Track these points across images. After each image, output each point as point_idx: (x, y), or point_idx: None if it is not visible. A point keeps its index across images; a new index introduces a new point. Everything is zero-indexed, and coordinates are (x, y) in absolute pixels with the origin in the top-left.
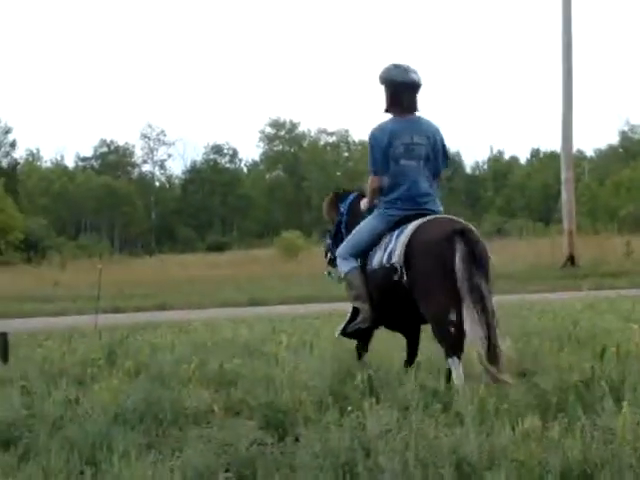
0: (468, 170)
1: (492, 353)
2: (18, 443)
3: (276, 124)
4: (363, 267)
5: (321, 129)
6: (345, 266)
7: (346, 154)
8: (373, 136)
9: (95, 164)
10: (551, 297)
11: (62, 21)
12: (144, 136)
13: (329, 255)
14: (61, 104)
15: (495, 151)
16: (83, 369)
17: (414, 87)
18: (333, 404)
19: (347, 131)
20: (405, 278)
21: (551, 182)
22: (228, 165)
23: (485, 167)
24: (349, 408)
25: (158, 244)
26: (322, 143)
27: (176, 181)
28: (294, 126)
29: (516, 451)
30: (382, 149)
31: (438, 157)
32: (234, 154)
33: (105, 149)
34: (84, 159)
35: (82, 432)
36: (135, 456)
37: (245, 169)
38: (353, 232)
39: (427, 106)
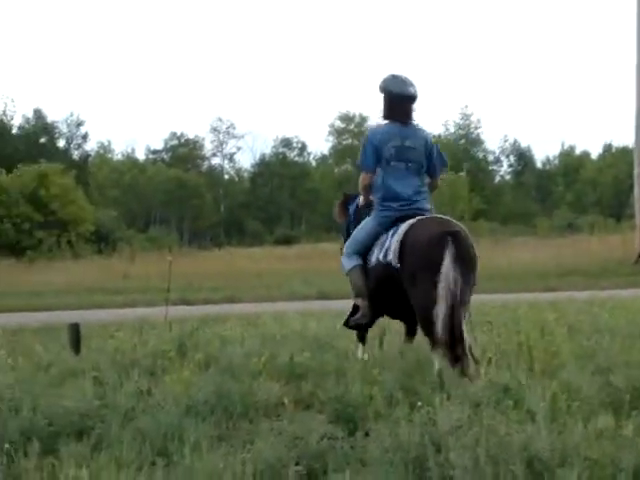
0: (539, 165)
1: (454, 356)
2: (91, 433)
3: (345, 118)
4: (364, 264)
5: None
6: (348, 263)
7: None
8: (367, 136)
9: (165, 157)
10: (623, 294)
11: (134, 14)
12: (214, 129)
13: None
14: (132, 97)
15: (566, 146)
16: (154, 361)
17: (410, 99)
18: (403, 399)
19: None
20: (399, 273)
21: (623, 177)
22: (297, 159)
23: (556, 162)
24: (419, 403)
25: (227, 237)
26: None
27: (245, 174)
28: (363, 120)
29: (589, 449)
30: (374, 149)
31: (432, 160)
32: (303, 148)
33: (175, 142)
34: (154, 152)
35: (154, 423)
36: (206, 448)
37: (314, 163)
38: (355, 231)
39: (498, 100)
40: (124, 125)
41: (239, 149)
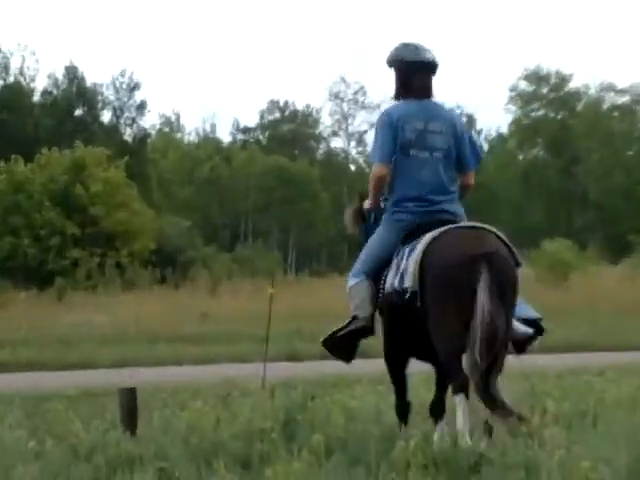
0: None
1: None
2: None
3: (535, 77)
4: (378, 290)
5: (605, 84)
6: (352, 281)
7: None
8: (381, 119)
9: (261, 137)
10: None
11: None
12: (334, 95)
13: None
14: (210, 51)
15: None
16: (247, 445)
17: (428, 67)
18: None
19: None
20: (419, 303)
21: None
22: None
23: None
24: None
25: (350, 257)
26: (607, 106)
27: None
28: (563, 80)
29: None
30: (393, 133)
31: (462, 149)
32: (469, 123)
33: (277, 115)
34: (245, 130)
35: None
36: None
37: (486, 145)
38: (366, 246)
39: None
40: (198, 91)
41: (372, 125)
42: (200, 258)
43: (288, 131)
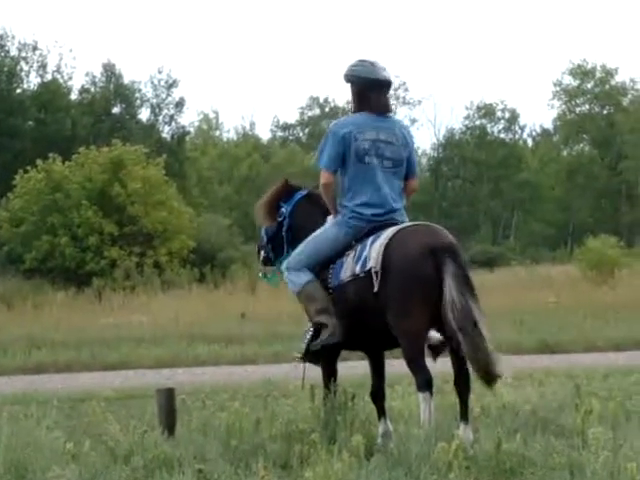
0: None
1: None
2: None
3: (578, 71)
4: (323, 283)
5: None
6: (300, 278)
7: None
8: (332, 129)
9: (302, 135)
10: None
11: None
12: None
13: (262, 253)
14: (249, 47)
15: None
16: (287, 446)
17: (382, 85)
18: None
19: None
20: (380, 289)
21: None
22: (503, 135)
23: None
24: None
25: None
26: None
27: (423, 160)
28: (608, 75)
29: None
30: (338, 143)
31: (411, 158)
32: (513, 119)
33: (317, 111)
34: (285, 127)
35: None
36: None
37: (530, 141)
38: (307, 240)
39: None
40: (237, 88)
41: (414, 122)
42: (239, 257)
43: None
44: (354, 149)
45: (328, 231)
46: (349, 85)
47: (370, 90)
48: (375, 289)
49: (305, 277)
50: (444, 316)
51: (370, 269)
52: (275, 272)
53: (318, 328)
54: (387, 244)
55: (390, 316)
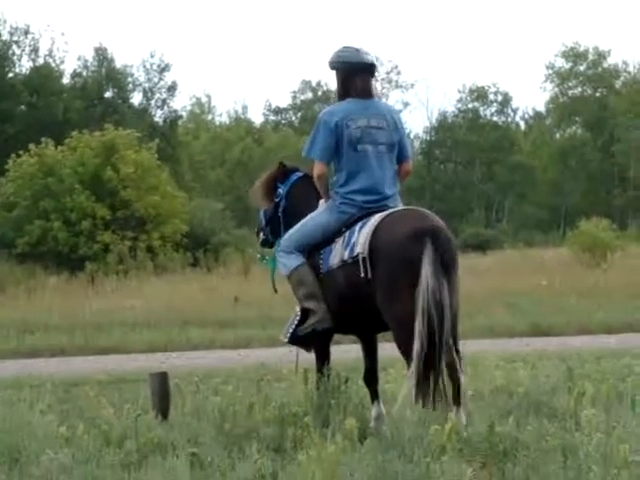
0: None
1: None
2: None
3: (571, 53)
4: (314, 268)
5: None
6: (291, 261)
7: None
8: (322, 118)
9: (294, 119)
10: None
11: None
12: None
13: (261, 235)
14: (239, 31)
15: None
16: (280, 429)
17: (367, 69)
18: None
19: None
20: (369, 275)
21: None
22: (495, 118)
23: None
24: None
25: None
26: None
27: (415, 143)
28: (600, 57)
29: None
30: (329, 133)
31: (403, 141)
32: (505, 102)
33: (309, 95)
34: (277, 111)
35: None
36: None
37: (522, 124)
38: (300, 224)
39: None
40: (230, 72)
41: (406, 105)
42: (232, 241)
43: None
44: (347, 137)
45: (320, 216)
46: (334, 72)
47: (355, 74)
48: (362, 274)
49: (296, 261)
50: (415, 298)
51: (357, 255)
52: (274, 256)
53: (305, 313)
54: (374, 230)
55: (379, 301)
